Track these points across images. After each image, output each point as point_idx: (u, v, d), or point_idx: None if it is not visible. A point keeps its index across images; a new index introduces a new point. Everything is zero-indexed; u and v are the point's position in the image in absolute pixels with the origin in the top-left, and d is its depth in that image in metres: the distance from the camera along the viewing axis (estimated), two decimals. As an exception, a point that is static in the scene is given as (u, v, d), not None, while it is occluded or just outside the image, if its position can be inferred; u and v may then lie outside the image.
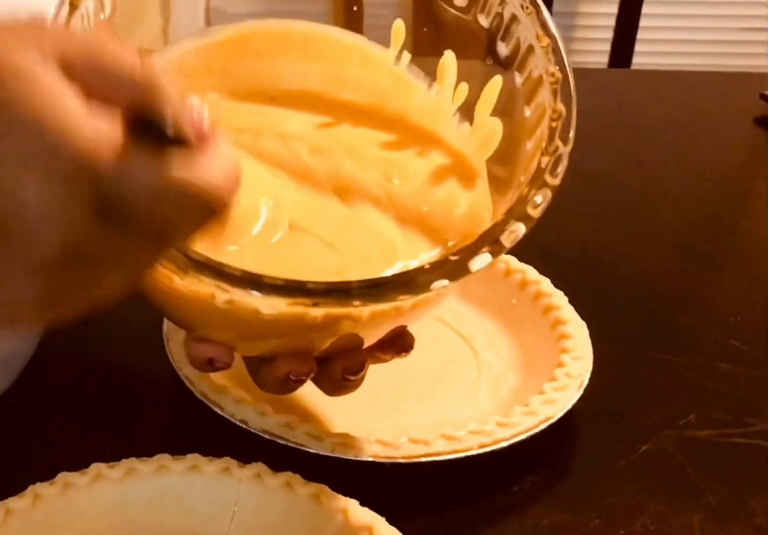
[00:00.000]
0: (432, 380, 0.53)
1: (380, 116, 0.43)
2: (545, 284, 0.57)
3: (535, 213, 0.35)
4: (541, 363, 0.52)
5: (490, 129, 0.41)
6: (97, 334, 0.55)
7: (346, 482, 0.42)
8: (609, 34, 1.57)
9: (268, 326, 0.36)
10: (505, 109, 0.41)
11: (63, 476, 0.42)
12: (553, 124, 0.37)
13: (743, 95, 0.94)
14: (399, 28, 0.44)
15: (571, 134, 0.37)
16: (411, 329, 0.40)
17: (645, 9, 1.57)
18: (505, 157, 0.41)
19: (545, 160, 0.36)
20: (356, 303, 0.34)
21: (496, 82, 0.41)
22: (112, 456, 0.43)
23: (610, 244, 0.69)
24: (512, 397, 0.51)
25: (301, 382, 0.38)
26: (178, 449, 0.43)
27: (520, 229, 0.35)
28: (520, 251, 0.58)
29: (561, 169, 0.36)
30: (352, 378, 0.39)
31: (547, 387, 0.49)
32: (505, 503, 0.46)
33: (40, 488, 0.41)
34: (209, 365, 0.38)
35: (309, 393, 0.51)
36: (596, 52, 1.66)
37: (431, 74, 0.44)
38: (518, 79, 0.40)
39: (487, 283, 0.59)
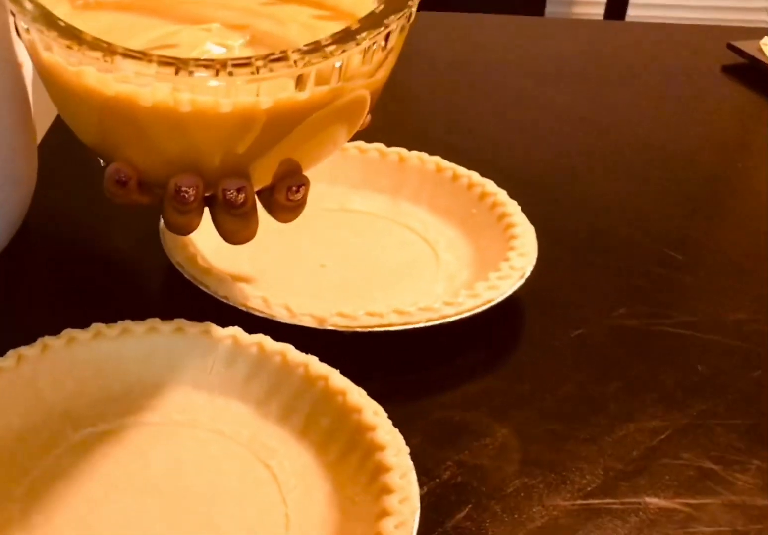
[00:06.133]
0: (395, 275, 0.60)
1: None
2: (502, 195, 0.63)
3: None
4: (492, 260, 0.59)
5: None
6: (102, 230, 0.62)
7: (309, 346, 0.49)
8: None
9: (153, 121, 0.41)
10: None
11: (68, 332, 0.49)
12: None
13: (711, 46, 1.00)
14: None
15: None
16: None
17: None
18: None
19: None
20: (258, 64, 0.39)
21: None
22: (110, 322, 0.50)
23: (565, 168, 0.75)
24: (463, 288, 0.58)
25: (190, 199, 0.44)
26: (167, 318, 0.50)
27: None
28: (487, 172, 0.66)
29: None
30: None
31: (491, 276, 0.56)
32: (448, 371, 0.53)
33: (48, 340, 0.48)
34: (117, 184, 0.44)
35: (285, 278, 0.58)
36: (593, 4, 1.71)
37: None
38: None
39: (452, 195, 0.66)
